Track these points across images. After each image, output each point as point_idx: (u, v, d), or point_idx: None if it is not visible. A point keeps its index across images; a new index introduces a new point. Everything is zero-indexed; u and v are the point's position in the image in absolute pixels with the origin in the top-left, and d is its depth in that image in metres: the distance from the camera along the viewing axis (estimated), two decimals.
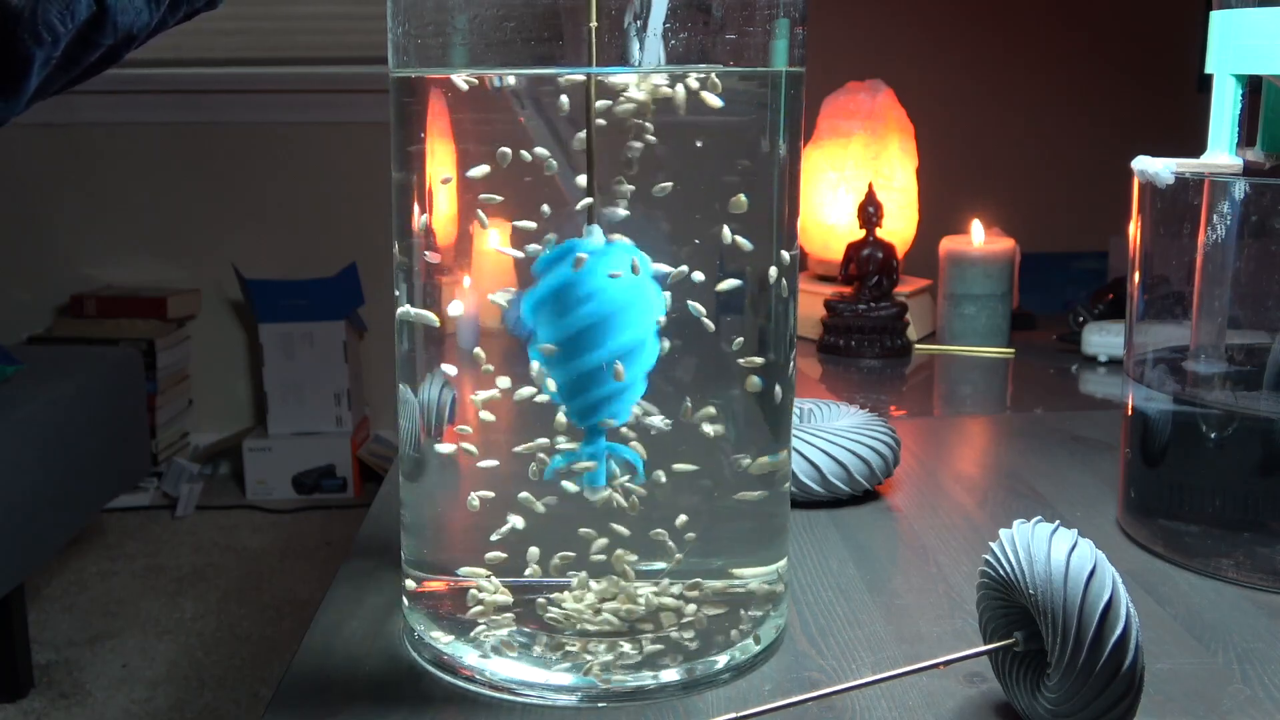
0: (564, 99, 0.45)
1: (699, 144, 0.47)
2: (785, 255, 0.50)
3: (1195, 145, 0.63)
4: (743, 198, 0.47)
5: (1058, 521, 0.46)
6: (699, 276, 0.47)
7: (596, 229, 0.45)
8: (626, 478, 0.47)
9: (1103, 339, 1.12)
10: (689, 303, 0.47)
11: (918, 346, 1.18)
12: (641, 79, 0.45)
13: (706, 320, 0.47)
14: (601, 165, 0.45)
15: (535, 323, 0.45)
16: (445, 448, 0.50)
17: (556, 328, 0.45)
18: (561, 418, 0.47)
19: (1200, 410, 0.64)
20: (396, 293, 0.52)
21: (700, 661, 0.50)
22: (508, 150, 0.46)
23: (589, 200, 0.45)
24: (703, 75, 0.46)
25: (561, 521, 0.48)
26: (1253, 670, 0.52)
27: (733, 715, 0.44)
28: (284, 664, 0.54)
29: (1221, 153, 0.62)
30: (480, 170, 0.46)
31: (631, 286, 0.45)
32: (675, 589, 0.49)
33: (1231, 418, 0.63)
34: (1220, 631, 0.56)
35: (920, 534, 0.68)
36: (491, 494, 0.49)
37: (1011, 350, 1.17)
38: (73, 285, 2.66)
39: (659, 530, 0.48)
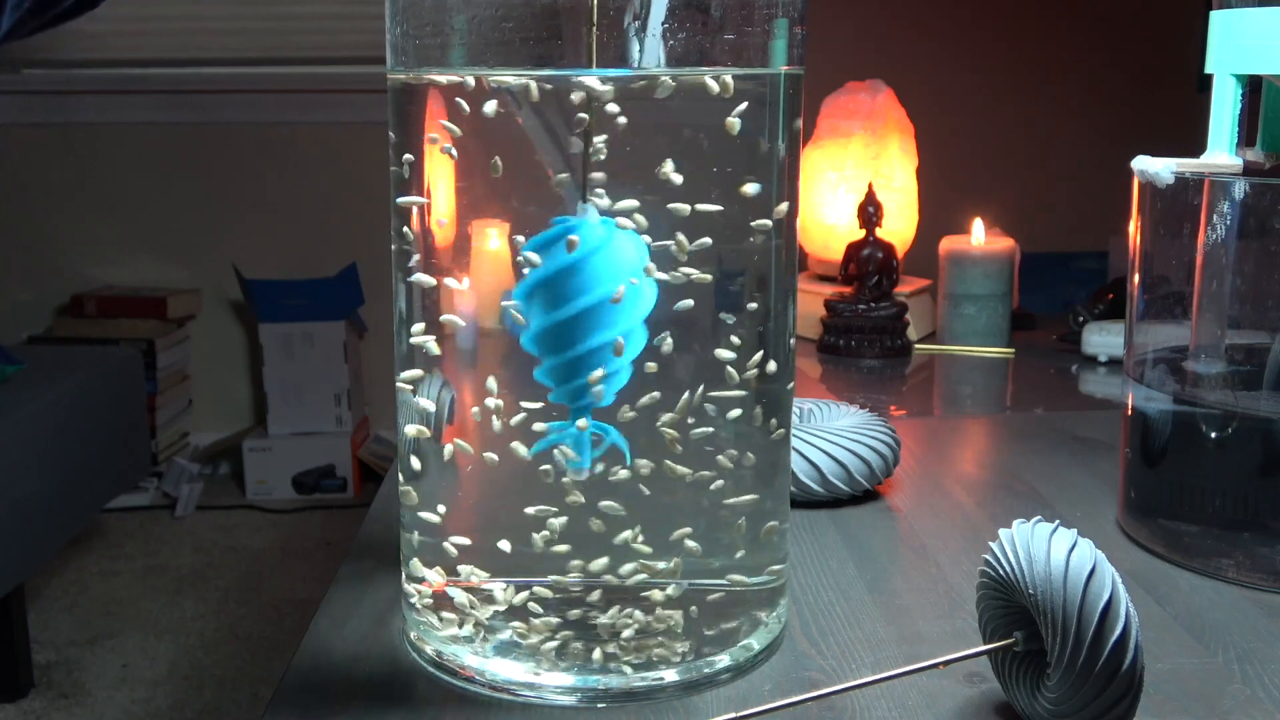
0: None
1: (699, 143, 0.47)
2: (785, 255, 0.50)
3: (1195, 145, 0.63)
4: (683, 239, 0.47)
5: (1058, 521, 0.46)
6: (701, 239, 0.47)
7: (591, 208, 0.45)
8: (617, 467, 0.47)
9: (1103, 339, 1.12)
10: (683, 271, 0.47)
11: (918, 346, 1.18)
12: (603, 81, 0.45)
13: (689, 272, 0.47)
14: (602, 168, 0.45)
15: (527, 300, 0.45)
16: (446, 448, 0.50)
17: (543, 299, 0.45)
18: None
19: (1200, 410, 0.64)
20: (397, 306, 0.51)
21: (700, 661, 0.50)
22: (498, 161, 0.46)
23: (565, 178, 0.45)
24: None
25: (562, 520, 0.48)
26: (1253, 670, 0.52)
27: (733, 715, 0.44)
28: (284, 664, 0.53)
29: (1221, 153, 0.62)
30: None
31: (619, 260, 0.45)
32: (675, 589, 0.49)
33: (1231, 418, 0.63)
34: (1220, 631, 0.56)
35: (920, 534, 0.68)
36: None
37: (1011, 350, 1.17)
38: (73, 285, 2.66)
39: (658, 530, 0.48)
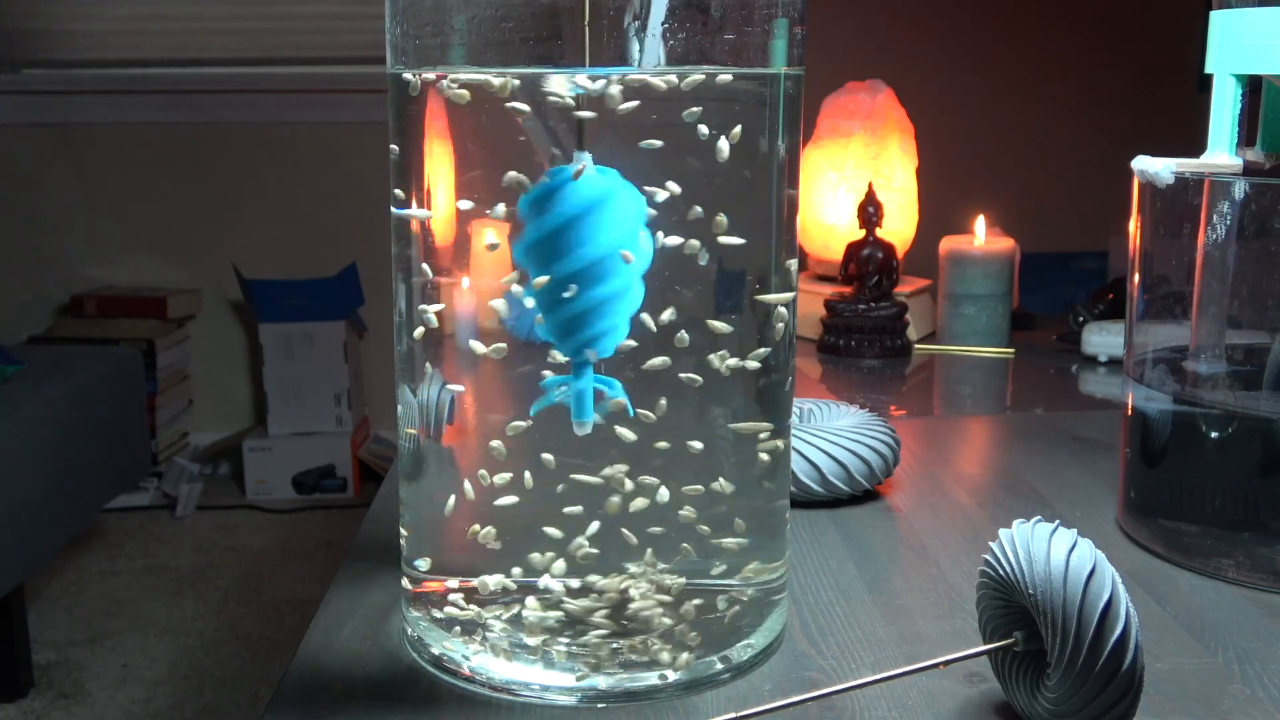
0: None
1: (697, 143, 0.47)
2: (785, 255, 0.50)
3: (1195, 145, 0.63)
4: (723, 218, 0.47)
5: (1058, 521, 0.46)
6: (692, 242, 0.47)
7: (586, 155, 0.45)
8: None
9: (1103, 339, 1.12)
10: (691, 242, 0.47)
11: (918, 346, 1.18)
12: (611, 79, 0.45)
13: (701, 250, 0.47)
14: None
15: (524, 253, 0.45)
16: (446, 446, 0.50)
17: (540, 242, 0.45)
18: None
19: (1200, 410, 0.64)
20: (397, 306, 0.52)
21: (700, 661, 0.50)
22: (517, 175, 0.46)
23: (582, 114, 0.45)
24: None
25: (561, 520, 0.48)
26: (1253, 670, 0.52)
27: (733, 715, 0.44)
28: (284, 664, 0.54)
29: (1221, 153, 0.62)
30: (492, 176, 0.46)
31: (615, 202, 0.45)
32: (675, 588, 0.49)
33: (1231, 418, 0.63)
34: (1220, 631, 0.56)
35: (920, 534, 0.68)
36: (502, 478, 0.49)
37: (1011, 350, 1.17)
38: (73, 285, 2.66)
39: (659, 529, 0.49)
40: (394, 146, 0.50)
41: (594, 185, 0.44)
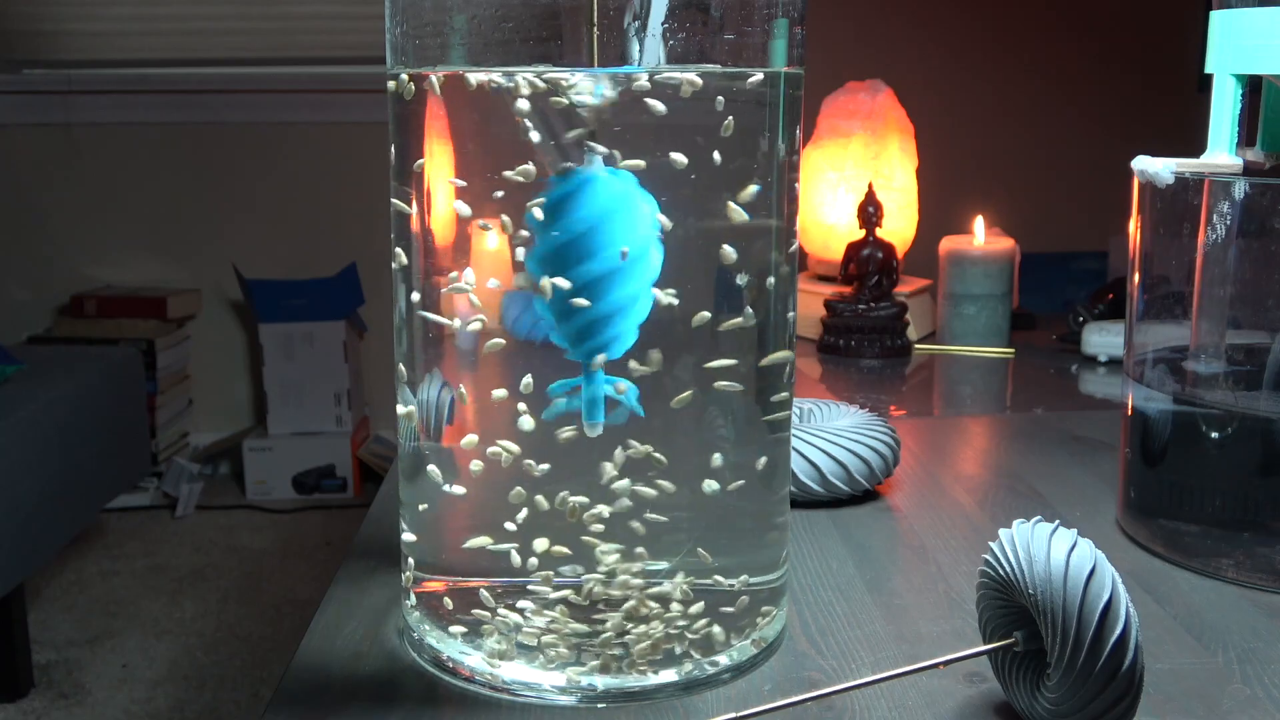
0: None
1: (698, 142, 0.47)
2: (784, 255, 0.50)
3: (1195, 145, 0.63)
4: (753, 188, 0.47)
5: (1057, 521, 0.46)
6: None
7: (597, 158, 0.45)
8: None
9: (1103, 339, 1.12)
10: (669, 293, 0.47)
11: (918, 346, 1.18)
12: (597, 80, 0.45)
13: (669, 298, 0.47)
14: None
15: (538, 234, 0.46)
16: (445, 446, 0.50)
17: (551, 242, 0.45)
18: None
19: (1200, 410, 0.64)
20: (397, 306, 0.52)
21: (700, 661, 0.50)
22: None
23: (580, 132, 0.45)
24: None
25: (561, 519, 0.48)
26: (1253, 670, 0.52)
27: (733, 715, 0.44)
28: (284, 664, 0.54)
29: (1221, 153, 0.62)
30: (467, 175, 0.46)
31: (626, 207, 0.45)
32: (675, 588, 0.49)
33: (1231, 418, 0.63)
34: (1220, 631, 0.56)
35: (920, 534, 0.68)
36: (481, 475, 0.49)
37: (1011, 350, 1.17)
38: (73, 285, 2.66)
39: (657, 525, 0.49)
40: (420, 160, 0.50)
41: (610, 191, 0.45)
